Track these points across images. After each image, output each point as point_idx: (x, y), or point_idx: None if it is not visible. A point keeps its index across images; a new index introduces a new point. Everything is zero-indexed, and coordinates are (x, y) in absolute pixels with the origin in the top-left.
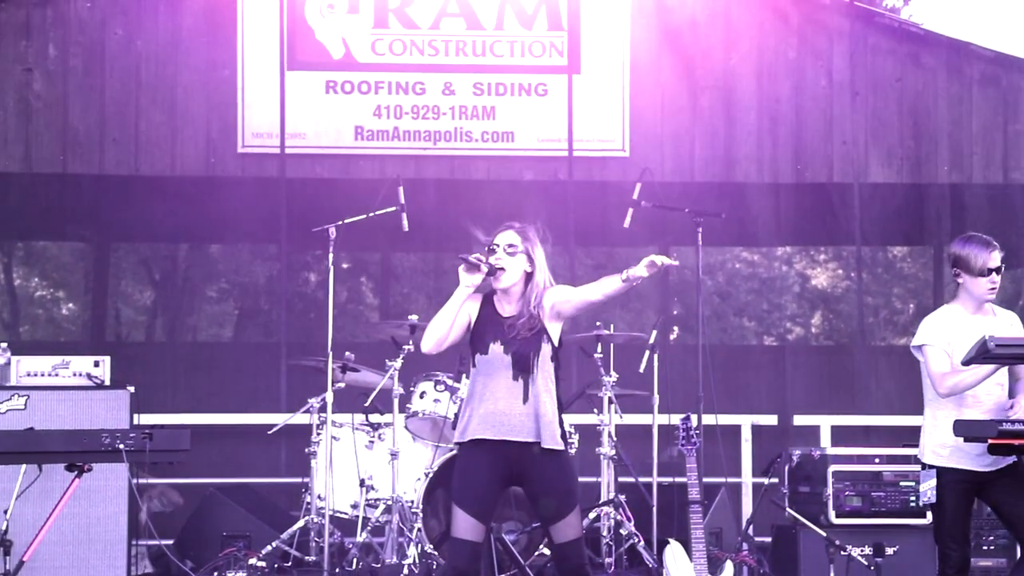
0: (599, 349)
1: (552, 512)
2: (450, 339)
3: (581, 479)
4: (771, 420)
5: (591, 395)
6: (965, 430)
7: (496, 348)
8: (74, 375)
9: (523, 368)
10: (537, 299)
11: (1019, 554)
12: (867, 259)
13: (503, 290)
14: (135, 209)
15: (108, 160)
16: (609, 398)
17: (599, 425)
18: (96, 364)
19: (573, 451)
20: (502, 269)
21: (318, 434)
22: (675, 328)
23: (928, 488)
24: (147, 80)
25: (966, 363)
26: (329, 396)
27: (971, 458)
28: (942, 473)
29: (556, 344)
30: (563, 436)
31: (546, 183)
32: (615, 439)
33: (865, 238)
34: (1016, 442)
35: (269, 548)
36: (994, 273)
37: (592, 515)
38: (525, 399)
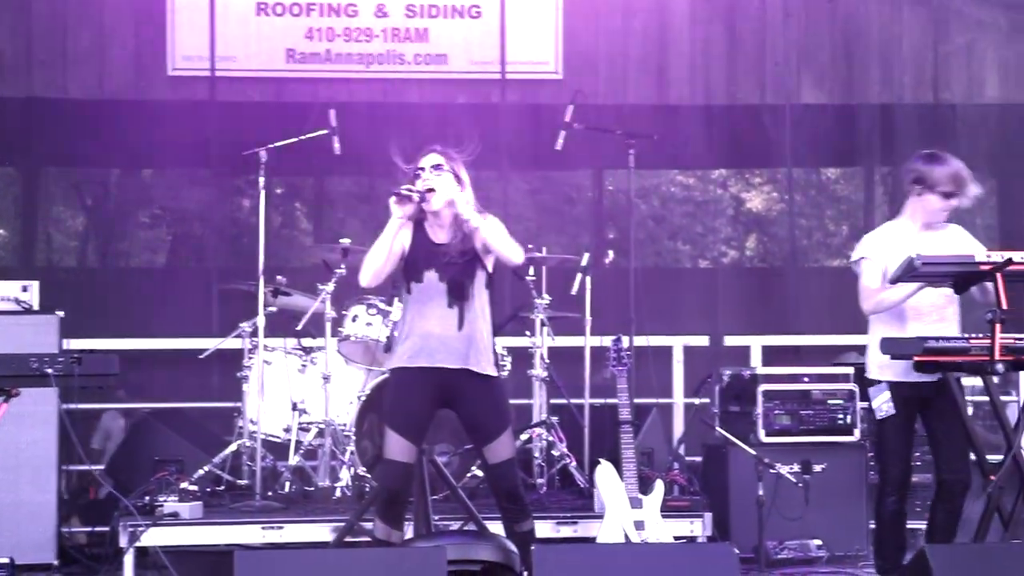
0: (531, 272)
1: (484, 435)
2: (387, 271)
3: (514, 401)
4: (703, 341)
5: (523, 318)
6: (892, 347)
7: (431, 275)
8: (2, 300)
9: (458, 295)
10: (470, 223)
11: (934, 479)
12: (800, 181)
13: (434, 214)
14: (64, 133)
15: (36, 82)
16: (541, 320)
17: (531, 347)
18: (24, 289)
19: (506, 374)
20: (432, 190)
21: (250, 358)
22: (610, 251)
23: (882, 402)
24: (74, 0)
25: (893, 281)
26: (261, 320)
27: (912, 373)
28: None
29: (490, 271)
30: (496, 361)
31: (479, 106)
32: (547, 361)
33: (797, 160)
34: (942, 359)
35: (201, 472)
36: (953, 198)
37: (524, 437)
38: (460, 326)
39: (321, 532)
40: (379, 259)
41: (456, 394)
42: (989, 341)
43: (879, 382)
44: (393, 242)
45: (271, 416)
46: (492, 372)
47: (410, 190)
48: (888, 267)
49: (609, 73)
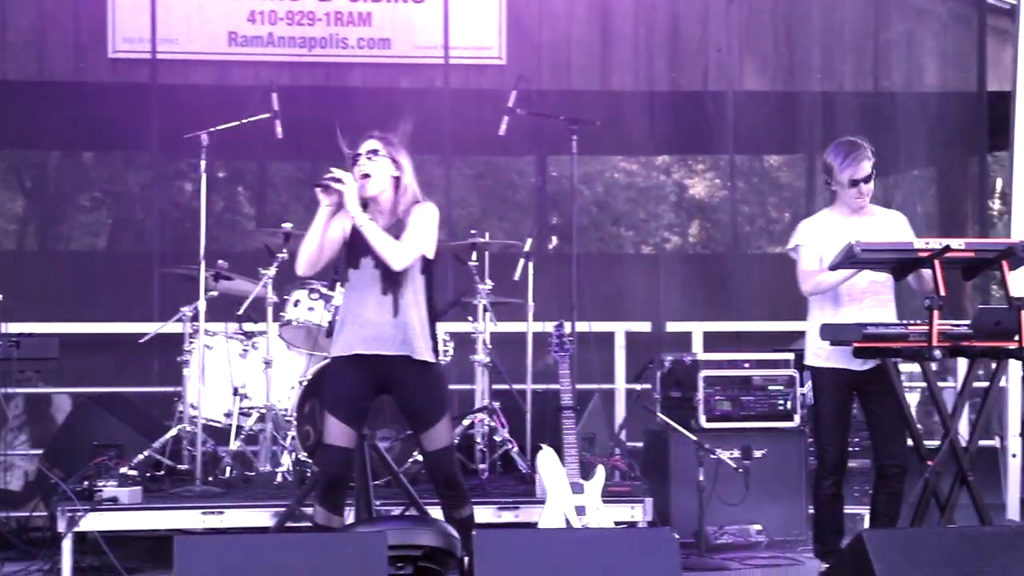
0: (474, 257)
1: (421, 422)
2: (324, 258)
3: (456, 387)
4: (645, 327)
5: (466, 303)
6: (831, 333)
7: (366, 262)
8: None
9: (392, 282)
10: (406, 207)
11: (873, 464)
12: (743, 168)
13: (372, 199)
14: (3, 115)
15: None
16: (484, 306)
17: (474, 333)
18: None
19: (448, 359)
20: (367, 176)
21: (190, 343)
22: (553, 237)
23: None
24: None
25: (833, 268)
26: (202, 304)
27: (848, 358)
28: (823, 373)
29: (428, 257)
30: (434, 348)
31: (422, 91)
32: (490, 347)
33: (739, 147)
34: (880, 345)
35: (141, 457)
36: (862, 184)
37: (466, 422)
38: (395, 312)
39: (262, 517)
40: (310, 248)
41: (393, 381)
42: (927, 328)
43: (810, 368)
44: (326, 229)
45: (212, 401)
46: (429, 358)
47: (334, 178)
48: (824, 252)
49: (552, 59)
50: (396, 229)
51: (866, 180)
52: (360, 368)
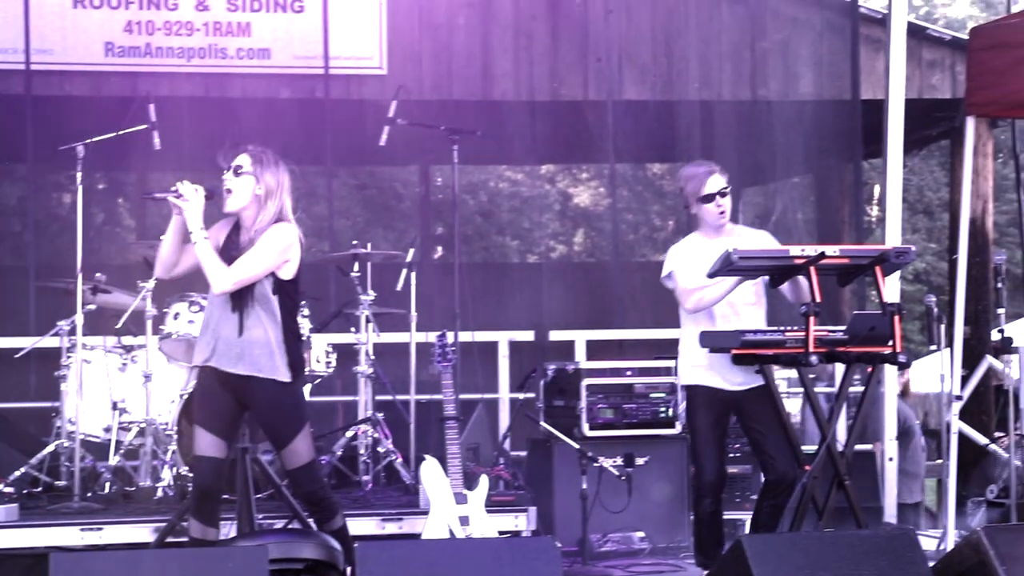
0: (356, 267)
1: (276, 440)
2: (184, 264)
3: (339, 398)
4: (528, 336)
5: (348, 314)
6: (711, 340)
7: None
8: None
9: (239, 300)
10: (260, 227)
11: (761, 478)
12: (627, 177)
13: (238, 215)
14: None
15: None
16: (366, 317)
17: (356, 344)
18: None
19: (331, 370)
20: (228, 191)
21: (68, 357)
22: (438, 247)
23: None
24: None
25: (711, 275)
26: (79, 318)
27: (722, 377)
28: (697, 392)
29: (284, 277)
30: (292, 364)
31: (303, 101)
32: (373, 358)
33: (620, 155)
34: (759, 351)
35: (17, 474)
36: (718, 197)
37: (350, 434)
38: (240, 331)
39: (142, 533)
40: (163, 252)
41: (245, 398)
42: (804, 334)
43: (684, 387)
44: (177, 237)
45: (90, 416)
46: (278, 377)
47: (167, 193)
48: (698, 273)
49: (433, 69)
50: (247, 245)
51: (721, 194)
52: (220, 381)
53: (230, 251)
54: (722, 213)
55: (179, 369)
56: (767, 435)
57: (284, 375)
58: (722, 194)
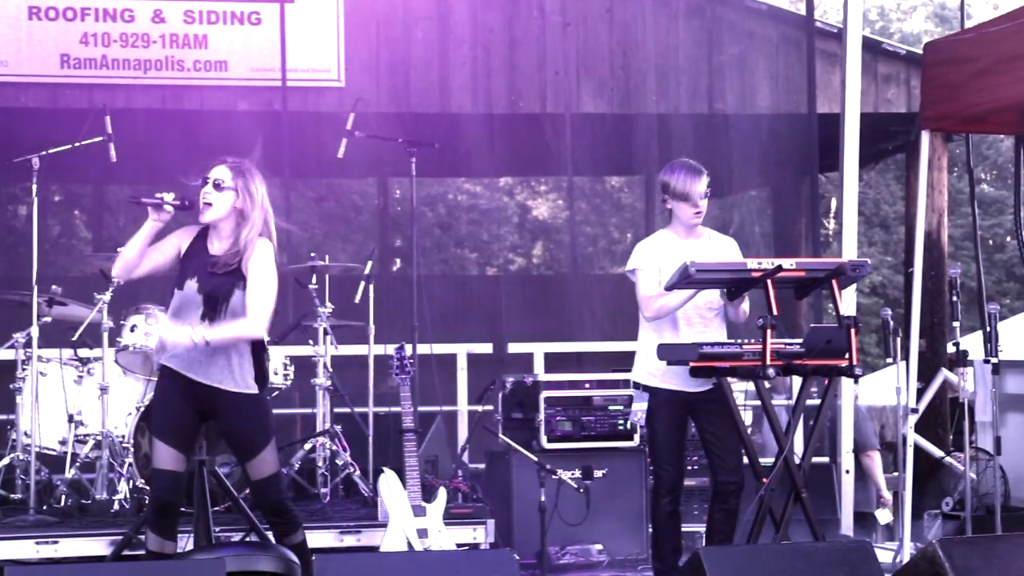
0: (314, 280)
1: (242, 451)
2: (143, 268)
3: (297, 411)
4: (486, 349)
5: (306, 326)
6: (668, 353)
7: (191, 284)
8: None
9: (211, 308)
10: (247, 240)
11: (711, 481)
12: (585, 190)
13: (213, 225)
14: None
15: None
16: (324, 329)
17: (314, 356)
18: None
19: (289, 383)
20: (208, 204)
21: (24, 369)
22: (397, 259)
23: (639, 409)
24: None
25: (669, 288)
26: (34, 330)
27: (682, 379)
28: (655, 393)
29: None
30: (258, 377)
31: (260, 113)
32: (331, 370)
33: (577, 168)
34: (716, 364)
35: None
36: (700, 199)
37: (308, 446)
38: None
39: (98, 547)
40: (129, 254)
41: (211, 408)
42: (761, 346)
43: (642, 388)
44: (146, 243)
45: (46, 428)
46: (246, 390)
47: (160, 198)
48: (662, 274)
49: (391, 81)
50: (233, 258)
51: (702, 197)
52: (182, 390)
53: (202, 258)
54: (698, 214)
55: (135, 381)
56: (720, 438)
57: (253, 386)
58: (703, 197)
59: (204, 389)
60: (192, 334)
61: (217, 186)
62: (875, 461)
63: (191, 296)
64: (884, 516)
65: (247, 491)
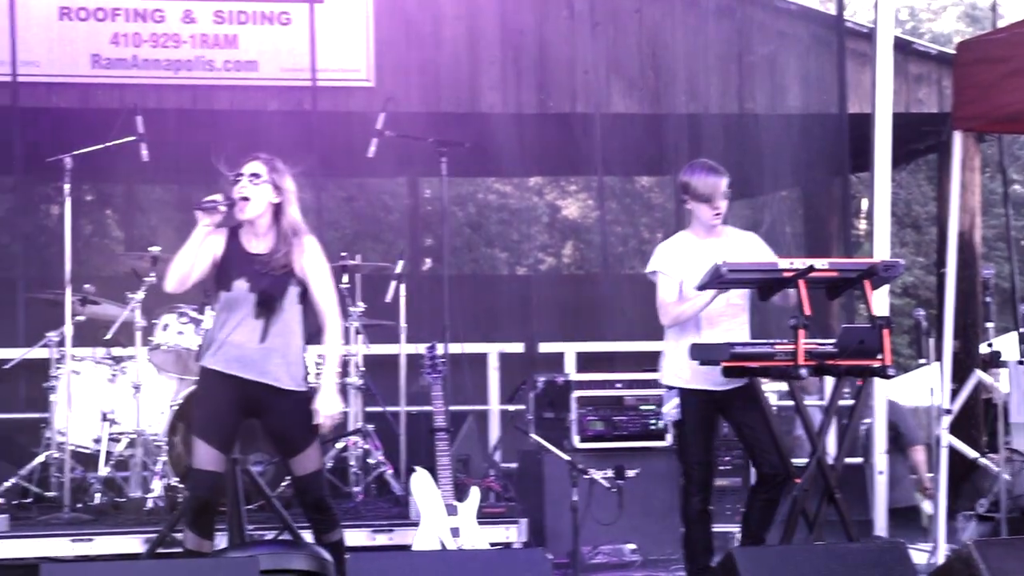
0: (345, 279)
1: (288, 448)
2: (193, 277)
3: None
4: (518, 348)
5: None
6: (700, 353)
7: (241, 285)
8: None
9: (267, 307)
10: (288, 236)
11: (752, 474)
12: (615, 189)
13: (249, 223)
14: None
15: None
16: (356, 328)
17: (346, 356)
18: None
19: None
20: (246, 199)
21: (57, 368)
22: (427, 259)
23: (671, 407)
24: None
25: (700, 288)
26: (68, 329)
27: (709, 379)
28: (683, 394)
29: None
30: (304, 375)
31: (290, 113)
32: (363, 369)
33: (607, 168)
34: (748, 364)
35: (7, 485)
36: (720, 200)
37: (340, 445)
38: (263, 338)
39: (133, 544)
40: (184, 266)
41: (258, 406)
42: (793, 347)
43: (671, 388)
44: (200, 249)
45: (80, 427)
46: (295, 387)
47: (214, 200)
48: (682, 278)
49: (421, 81)
50: (277, 257)
51: (723, 197)
52: (227, 390)
53: (245, 257)
54: (717, 215)
55: (168, 380)
56: (754, 429)
57: (304, 384)
58: (724, 197)
59: (256, 387)
60: (334, 400)
61: (253, 179)
62: (922, 456)
63: (242, 296)
64: (930, 507)
65: (279, 490)
